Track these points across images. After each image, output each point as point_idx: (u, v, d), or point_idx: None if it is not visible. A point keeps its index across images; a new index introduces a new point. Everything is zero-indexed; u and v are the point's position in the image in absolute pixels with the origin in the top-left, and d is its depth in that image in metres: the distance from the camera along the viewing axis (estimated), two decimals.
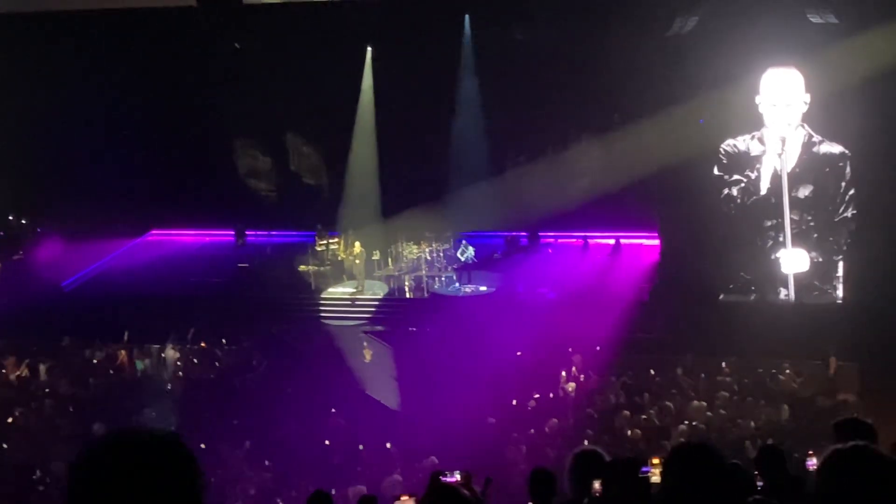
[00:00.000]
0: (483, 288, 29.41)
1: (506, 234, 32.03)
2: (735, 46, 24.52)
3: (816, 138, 25.65)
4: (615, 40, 26.79)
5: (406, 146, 31.98)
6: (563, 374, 23.69)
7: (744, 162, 26.48)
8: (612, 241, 30.79)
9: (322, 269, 30.98)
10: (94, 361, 26.44)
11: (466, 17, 30.23)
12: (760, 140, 26.23)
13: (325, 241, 31.31)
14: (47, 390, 24.82)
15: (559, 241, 32.13)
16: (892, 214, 24.41)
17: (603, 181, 29.04)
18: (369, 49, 32.03)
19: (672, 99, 25.45)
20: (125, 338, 26.97)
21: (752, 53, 24.80)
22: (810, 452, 8.42)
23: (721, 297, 26.96)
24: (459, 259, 30.01)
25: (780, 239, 26.37)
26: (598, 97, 29.67)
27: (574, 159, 31.50)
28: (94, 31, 29.89)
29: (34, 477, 20.07)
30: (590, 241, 30.99)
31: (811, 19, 21.89)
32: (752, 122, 26.22)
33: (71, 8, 28.04)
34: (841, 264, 26.16)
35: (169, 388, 25.37)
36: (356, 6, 27.98)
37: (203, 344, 26.84)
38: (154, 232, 36.27)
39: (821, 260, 26.13)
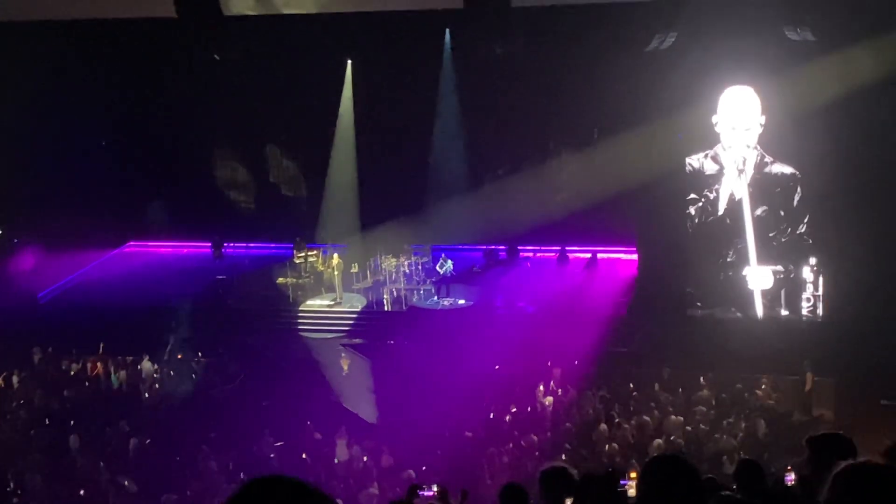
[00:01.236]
0: (461, 301, 29.42)
1: (484, 247, 32.08)
2: (702, 64, 24.71)
3: (768, 159, 25.94)
4: (594, 56, 26.94)
5: (385, 159, 32.02)
6: (541, 387, 23.69)
7: (700, 181, 26.71)
8: (590, 256, 30.88)
9: (301, 281, 30.92)
10: (71, 373, 26.26)
11: (447, 31, 30.30)
12: (714, 159, 26.45)
13: (303, 254, 31.25)
14: (22, 402, 24.63)
15: (538, 254, 32.20)
16: (866, 232, 24.54)
17: (582, 195, 29.13)
18: (349, 62, 32.05)
19: (651, 114, 25.56)
20: (101, 350, 26.83)
21: (713, 72, 24.99)
22: (788, 468, 8.44)
23: (688, 311, 27.04)
24: (438, 272, 30.00)
25: (731, 259, 26.66)
26: (577, 112, 29.80)
27: (553, 173, 31.62)
28: (73, 40, 29.74)
29: (8, 489, 19.93)
30: (569, 255, 31.04)
31: (789, 36, 22.03)
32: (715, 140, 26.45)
33: (49, 18, 27.88)
34: (807, 282, 26.31)
35: (145, 399, 25.24)
36: (337, 19, 27.98)
37: (180, 356, 26.71)
38: (132, 243, 36.13)
39: (781, 277, 26.34)
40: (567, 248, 31.07)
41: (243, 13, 26.37)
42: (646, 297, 27.38)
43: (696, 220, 26.92)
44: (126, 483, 20.05)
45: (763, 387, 23.27)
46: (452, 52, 30.63)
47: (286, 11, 27.04)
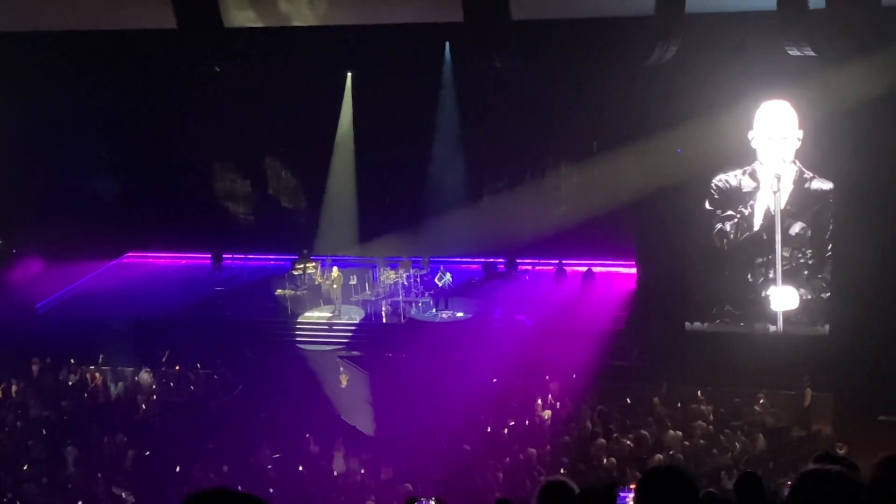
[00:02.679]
0: (460, 314, 29.38)
1: (483, 260, 32.06)
2: (718, 78, 24.61)
3: (808, 175, 25.38)
4: (594, 69, 26.93)
5: (385, 171, 32.04)
6: (539, 401, 23.66)
7: (736, 198, 26.20)
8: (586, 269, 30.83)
9: (299, 293, 30.89)
10: (69, 384, 26.23)
11: (447, 44, 30.33)
12: (752, 176, 26.03)
13: (301, 265, 31.22)
14: (19, 412, 24.58)
15: (536, 267, 32.17)
16: (870, 248, 24.48)
17: (581, 209, 29.14)
18: (349, 74, 32.10)
19: (651, 128, 25.52)
20: (99, 360, 26.80)
21: (737, 86, 24.85)
22: (788, 483, 8.41)
23: (686, 325, 26.79)
24: (437, 284, 29.98)
25: (770, 276, 26.23)
26: (577, 125, 29.83)
27: (552, 186, 31.62)
28: (73, 52, 29.74)
29: (4, 500, 19.87)
30: (566, 269, 30.96)
31: (789, 52, 21.98)
32: (738, 156, 26.15)
33: (49, 29, 27.90)
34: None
35: (143, 410, 25.19)
36: (337, 32, 28.00)
37: (178, 367, 26.67)
38: (130, 254, 36.10)
39: (809, 297, 25.92)
40: (564, 262, 30.97)
41: (244, 25, 26.37)
42: (644, 312, 27.31)
43: (732, 237, 26.49)
44: (123, 495, 20.01)
45: (762, 402, 23.24)
46: (452, 65, 30.67)
47: (287, 24, 27.05)
